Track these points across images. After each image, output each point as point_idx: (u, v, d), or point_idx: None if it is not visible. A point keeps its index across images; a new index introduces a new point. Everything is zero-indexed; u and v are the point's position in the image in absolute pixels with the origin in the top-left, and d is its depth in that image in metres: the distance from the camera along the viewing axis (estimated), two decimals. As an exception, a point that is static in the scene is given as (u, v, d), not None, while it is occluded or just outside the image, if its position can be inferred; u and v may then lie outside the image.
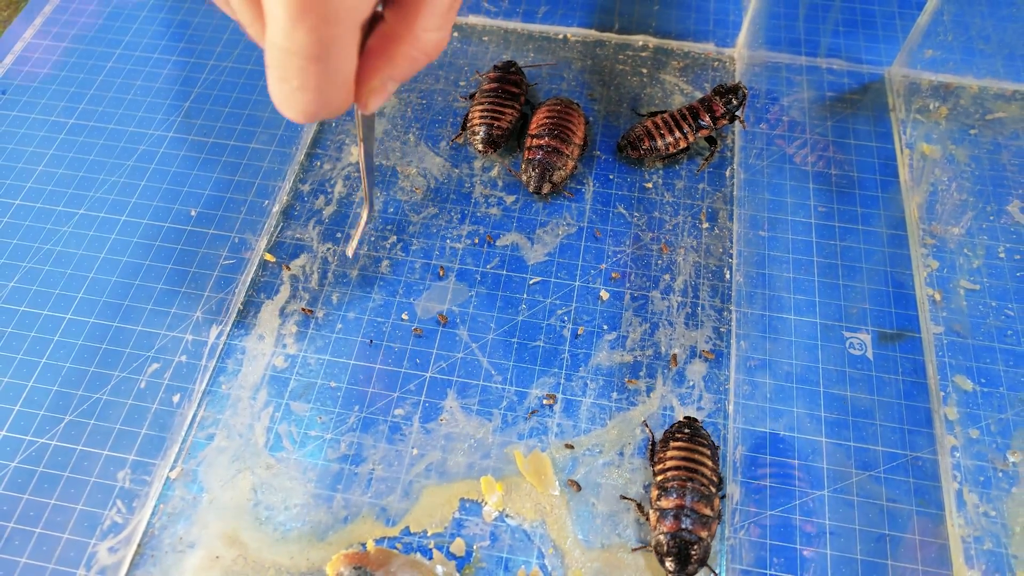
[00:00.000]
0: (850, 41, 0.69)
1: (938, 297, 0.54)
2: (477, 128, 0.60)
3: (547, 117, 0.60)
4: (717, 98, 0.60)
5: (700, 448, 0.44)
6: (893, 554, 0.45)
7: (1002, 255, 0.56)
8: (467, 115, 0.62)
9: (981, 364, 0.51)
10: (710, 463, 0.44)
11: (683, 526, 0.41)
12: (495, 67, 0.64)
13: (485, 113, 0.60)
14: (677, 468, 0.43)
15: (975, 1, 0.68)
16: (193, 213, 0.56)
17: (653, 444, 0.46)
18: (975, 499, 0.46)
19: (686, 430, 0.45)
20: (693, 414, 0.49)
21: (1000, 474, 0.47)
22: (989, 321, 0.53)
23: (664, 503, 0.42)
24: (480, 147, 0.59)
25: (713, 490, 0.43)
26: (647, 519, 0.43)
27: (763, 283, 0.55)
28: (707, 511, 0.42)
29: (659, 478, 0.43)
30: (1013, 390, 0.50)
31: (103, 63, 0.67)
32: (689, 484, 0.43)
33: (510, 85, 0.62)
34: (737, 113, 0.59)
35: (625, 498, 0.45)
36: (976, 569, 0.44)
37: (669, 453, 0.44)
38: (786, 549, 0.45)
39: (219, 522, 0.45)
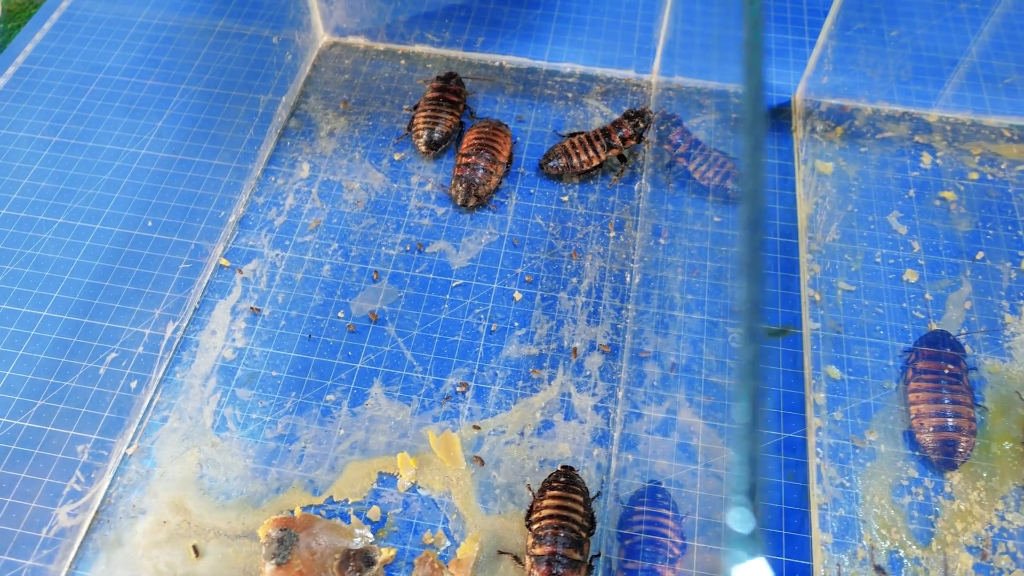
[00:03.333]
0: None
1: (818, 297, 0.59)
2: (421, 132, 0.66)
3: (476, 138, 0.66)
4: (626, 121, 0.66)
5: (574, 496, 0.47)
6: (762, 521, 0.50)
7: (878, 260, 0.61)
8: (411, 120, 0.68)
9: (851, 356, 0.57)
10: (582, 509, 0.47)
11: (555, 571, 0.45)
12: (438, 78, 0.70)
13: (428, 118, 0.66)
14: (551, 516, 0.46)
15: (866, 32, 0.74)
16: (150, 223, 0.62)
17: (532, 503, 0.48)
18: (833, 472, 0.52)
19: (562, 479, 0.48)
20: (588, 400, 0.55)
21: (858, 451, 0.52)
22: (861, 318, 0.58)
23: (538, 550, 0.46)
24: (423, 148, 0.66)
25: (584, 535, 0.46)
26: (524, 566, 0.47)
27: (658, 285, 0.60)
28: (577, 556, 0.45)
29: (535, 526, 0.46)
30: (877, 378, 0.56)
31: (86, 86, 0.73)
32: (561, 532, 0.45)
33: (451, 94, 0.68)
34: (644, 135, 0.65)
35: (502, 552, 0.48)
36: (829, 532, 0.49)
37: (545, 502, 0.47)
38: (657, 513, 0.50)
39: (168, 492, 0.50)
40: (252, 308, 0.58)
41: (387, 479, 0.51)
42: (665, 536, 0.47)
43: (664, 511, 0.47)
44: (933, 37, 0.76)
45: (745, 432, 0.22)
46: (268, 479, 0.51)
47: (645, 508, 0.48)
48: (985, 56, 0.74)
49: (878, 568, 0.47)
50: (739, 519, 0.21)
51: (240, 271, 0.60)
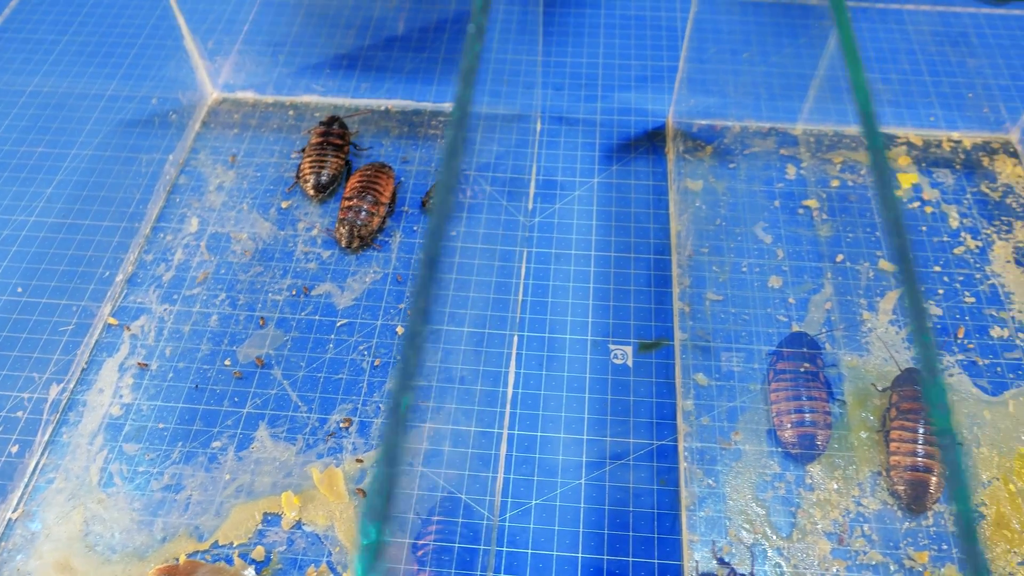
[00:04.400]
0: (640, 94, 0.80)
1: (687, 309, 0.63)
2: (308, 176, 0.70)
3: (358, 181, 0.69)
4: (507, 160, 0.70)
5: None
6: (635, 527, 0.53)
7: (745, 269, 0.66)
8: (299, 167, 0.71)
9: (719, 362, 0.61)
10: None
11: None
12: (320, 123, 0.74)
13: (314, 163, 0.70)
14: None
15: (720, 55, 0.79)
16: (20, 290, 0.64)
17: None
18: (701, 474, 0.55)
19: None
20: (473, 427, 0.58)
21: (724, 452, 0.56)
22: (728, 326, 0.63)
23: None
24: (312, 192, 0.70)
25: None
26: None
27: (544, 309, 0.64)
28: None
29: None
30: (743, 382, 0.60)
31: (-23, 159, 0.75)
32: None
33: (334, 137, 0.72)
34: (508, 165, 0.69)
35: None
36: (696, 532, 0.53)
37: None
38: (546, 531, 0.53)
39: (53, 552, 0.52)
40: (140, 363, 0.61)
41: (272, 519, 0.54)
42: (454, 544, 0.50)
43: (456, 519, 0.50)
44: (790, 55, 0.81)
45: (385, 462, 0.24)
46: (154, 530, 0.53)
47: (439, 518, 0.51)
48: (832, 68, 0.80)
49: (720, 561, 0.50)
50: (364, 532, 0.23)
51: (128, 328, 0.63)
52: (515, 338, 0.62)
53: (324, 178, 0.70)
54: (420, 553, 0.50)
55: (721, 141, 0.75)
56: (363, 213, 0.67)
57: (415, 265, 0.67)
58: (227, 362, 0.61)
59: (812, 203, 0.70)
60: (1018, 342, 0.60)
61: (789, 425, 0.55)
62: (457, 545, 0.52)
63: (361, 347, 0.62)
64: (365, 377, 0.60)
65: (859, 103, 0.29)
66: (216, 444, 0.57)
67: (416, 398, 0.25)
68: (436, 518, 0.51)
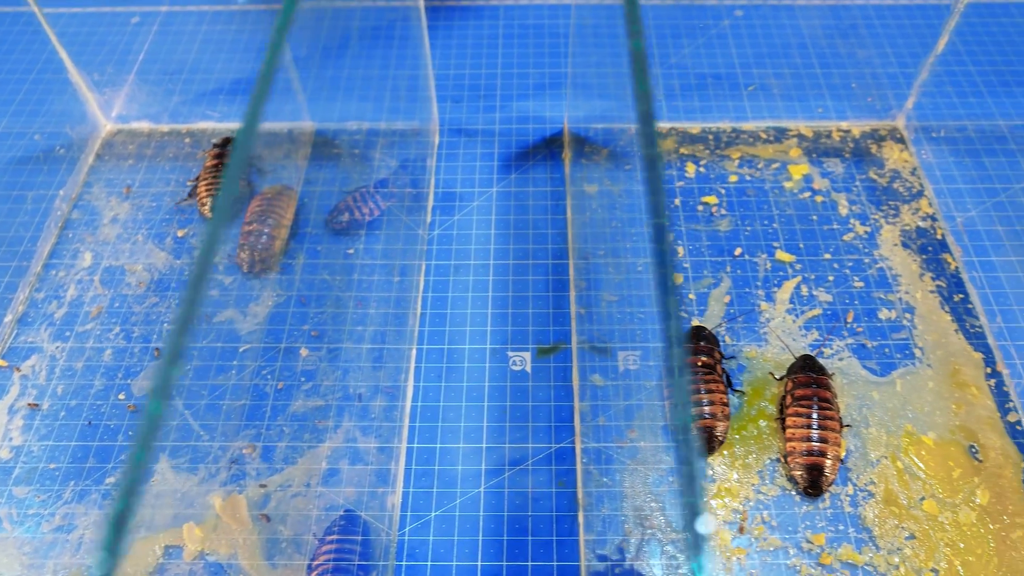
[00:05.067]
0: (538, 102, 0.81)
1: (584, 312, 0.65)
2: (205, 200, 0.70)
3: (258, 205, 0.70)
4: (402, 171, 0.71)
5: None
6: (534, 531, 0.54)
7: (640, 269, 0.67)
8: (195, 190, 0.72)
9: (615, 362, 0.62)
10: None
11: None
12: (214, 144, 0.74)
13: (210, 185, 0.71)
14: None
15: (611, 56, 0.81)
16: None
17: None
18: (598, 474, 0.56)
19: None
20: (373, 442, 0.58)
21: (621, 450, 0.57)
22: (625, 325, 0.64)
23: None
24: (210, 215, 0.70)
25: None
26: None
27: (444, 321, 0.65)
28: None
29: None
30: (639, 379, 0.61)
31: None
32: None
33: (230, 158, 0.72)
34: (410, 179, 0.70)
35: None
36: (593, 532, 0.54)
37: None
38: (446, 541, 0.54)
39: (-57, 602, 0.52)
40: (30, 404, 0.60)
41: (173, 551, 0.54)
42: (351, 562, 0.50)
43: (353, 537, 0.51)
44: (688, 55, 0.84)
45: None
46: (44, 572, 0.53)
47: (336, 537, 0.51)
48: (730, 67, 0.83)
49: (601, 558, 0.51)
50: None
51: (18, 369, 0.62)
52: (413, 351, 0.63)
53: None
54: (315, 574, 0.51)
55: (617, 144, 0.77)
56: (264, 237, 0.68)
57: (319, 286, 0.67)
58: (121, 396, 0.61)
59: (711, 199, 0.72)
60: (905, 322, 0.63)
61: (685, 419, 0.56)
62: (356, 563, 0.52)
63: (264, 371, 0.62)
64: (269, 401, 0.61)
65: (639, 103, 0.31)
66: (111, 480, 0.57)
67: (165, 405, 0.25)
68: (334, 537, 0.52)
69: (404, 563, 0.53)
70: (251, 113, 0.31)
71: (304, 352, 0.63)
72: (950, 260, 0.67)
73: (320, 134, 0.79)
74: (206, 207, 0.70)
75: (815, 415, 0.55)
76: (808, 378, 0.57)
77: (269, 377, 0.62)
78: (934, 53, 0.71)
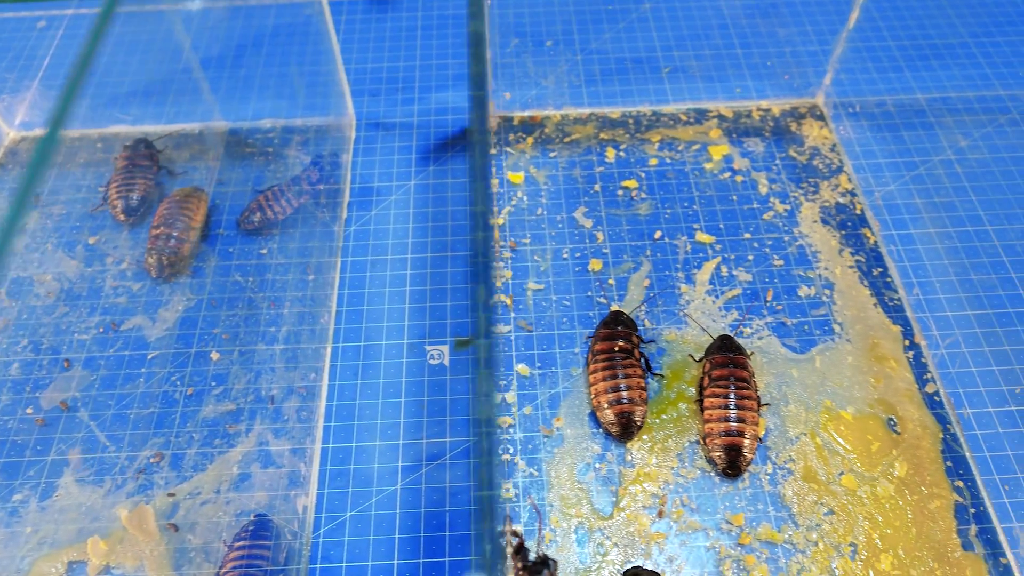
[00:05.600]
0: (458, 93, 0.81)
1: (509, 302, 0.64)
2: (116, 202, 0.69)
3: (166, 209, 0.69)
4: (313, 168, 0.70)
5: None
6: (452, 526, 0.54)
7: (566, 256, 0.67)
8: (106, 194, 0.70)
9: (540, 351, 0.62)
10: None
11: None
12: (125, 147, 0.73)
13: (120, 187, 0.69)
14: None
15: (523, 47, 0.81)
16: None
17: None
18: (524, 464, 0.56)
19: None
20: (286, 444, 0.58)
21: (546, 440, 0.57)
22: (550, 313, 0.64)
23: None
24: (122, 217, 0.69)
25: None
26: None
27: (360, 318, 0.64)
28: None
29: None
30: (565, 367, 0.61)
31: None
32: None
33: (141, 159, 0.71)
34: (322, 175, 0.70)
35: None
36: (519, 523, 0.53)
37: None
38: (361, 541, 0.53)
39: None
40: (-71, 423, 0.59)
41: (77, 566, 0.53)
42: (260, 567, 0.50)
43: (263, 542, 0.50)
44: (609, 39, 0.84)
45: None
46: (-56, 594, 0.51)
47: (245, 543, 0.51)
48: (651, 50, 0.83)
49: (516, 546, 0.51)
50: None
51: (-82, 387, 0.60)
52: (328, 350, 0.62)
53: (134, 200, 0.69)
54: (222, 582, 0.50)
55: (542, 131, 0.77)
56: (172, 240, 0.66)
57: (231, 288, 0.66)
58: (28, 410, 0.59)
59: (631, 183, 0.72)
60: (824, 298, 0.63)
61: (607, 405, 0.56)
62: (267, 568, 0.51)
63: (174, 377, 0.61)
64: (179, 408, 0.59)
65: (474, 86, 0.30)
66: (17, 497, 0.55)
67: None
68: (242, 543, 0.51)
69: (318, 566, 0.52)
70: (54, 120, 0.30)
71: (215, 356, 0.62)
72: (869, 235, 0.67)
73: (233, 133, 0.78)
74: (118, 209, 0.69)
75: (732, 395, 0.55)
76: (725, 358, 0.57)
77: (179, 383, 0.61)
78: (847, 28, 0.72)
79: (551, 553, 0.51)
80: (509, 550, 0.45)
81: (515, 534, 0.47)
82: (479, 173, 0.27)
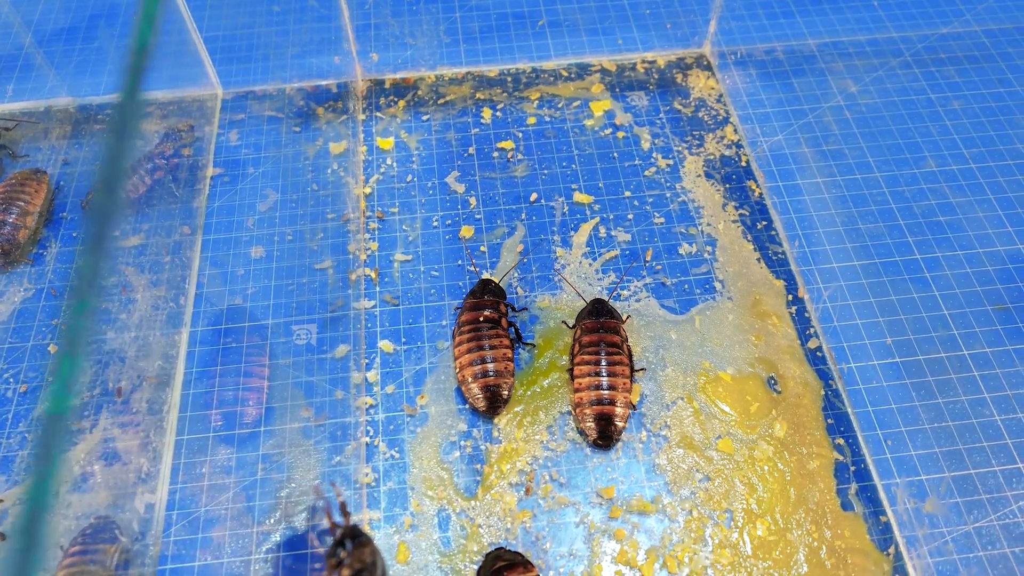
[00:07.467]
0: (327, 57, 0.78)
1: (374, 275, 0.62)
2: None
3: (0, 193, 0.65)
4: (167, 141, 0.67)
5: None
6: (313, 515, 0.52)
7: (436, 224, 0.65)
8: None
9: (407, 325, 0.60)
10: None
11: None
12: None
13: None
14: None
15: (380, 5, 0.79)
16: None
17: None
18: (385, 447, 0.54)
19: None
20: (132, 439, 0.55)
21: (409, 419, 0.56)
22: (417, 285, 0.62)
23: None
24: None
25: None
26: None
27: (222, 300, 0.62)
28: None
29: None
30: (431, 341, 0.59)
31: None
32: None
33: None
34: (177, 149, 0.67)
35: None
36: (378, 509, 0.52)
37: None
38: (216, 538, 0.51)
39: None
40: None
41: (-101, 586, 0.50)
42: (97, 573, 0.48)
43: (101, 545, 0.49)
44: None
45: None
46: None
47: (79, 548, 0.49)
48: (533, 4, 0.81)
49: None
50: None
51: None
52: (185, 335, 0.60)
53: None
54: (51, 590, 0.48)
55: (415, 94, 0.74)
56: (7, 227, 0.63)
57: (73, 276, 0.63)
58: None
59: (507, 144, 0.70)
60: (706, 255, 0.63)
61: (471, 378, 0.55)
62: (108, 571, 0.49)
63: (7, 374, 0.58)
64: (11, 408, 0.57)
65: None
66: None
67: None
68: (76, 548, 0.49)
69: (168, 566, 0.50)
70: None
71: (53, 348, 0.59)
72: (754, 187, 0.67)
73: (83, 110, 0.75)
74: None
75: (603, 362, 0.54)
76: (595, 323, 0.56)
77: (12, 380, 0.58)
78: (725, -28, 0.71)
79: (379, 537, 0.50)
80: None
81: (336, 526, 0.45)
82: (118, 153, 0.25)
